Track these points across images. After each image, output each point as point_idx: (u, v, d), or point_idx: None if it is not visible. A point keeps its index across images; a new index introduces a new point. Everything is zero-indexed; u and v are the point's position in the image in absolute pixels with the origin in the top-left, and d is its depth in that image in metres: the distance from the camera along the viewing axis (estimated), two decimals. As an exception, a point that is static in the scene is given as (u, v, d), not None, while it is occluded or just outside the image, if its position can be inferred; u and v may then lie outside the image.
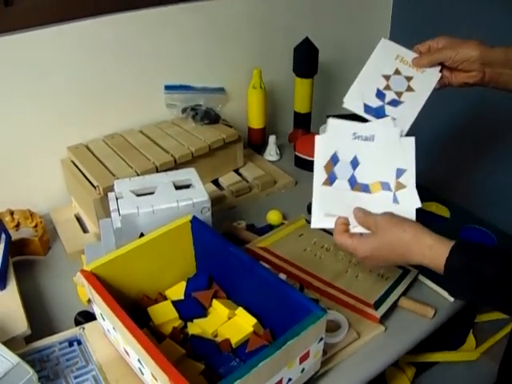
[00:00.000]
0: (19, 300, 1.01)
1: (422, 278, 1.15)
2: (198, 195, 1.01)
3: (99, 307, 0.86)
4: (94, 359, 0.90)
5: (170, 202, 0.99)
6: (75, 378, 0.87)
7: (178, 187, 1.05)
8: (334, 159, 0.98)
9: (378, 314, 1.01)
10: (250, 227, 1.28)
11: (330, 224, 0.96)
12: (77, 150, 1.32)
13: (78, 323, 1.00)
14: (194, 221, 0.98)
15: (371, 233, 0.93)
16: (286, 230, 1.24)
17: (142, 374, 0.82)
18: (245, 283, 0.94)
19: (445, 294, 1.12)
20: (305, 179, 1.51)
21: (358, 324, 1.01)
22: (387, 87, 1.00)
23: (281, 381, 0.79)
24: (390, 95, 1.00)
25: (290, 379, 0.82)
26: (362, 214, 0.94)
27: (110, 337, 0.90)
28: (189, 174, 1.08)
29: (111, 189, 1.10)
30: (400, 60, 1.03)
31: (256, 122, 1.58)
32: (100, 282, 0.86)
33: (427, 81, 1.01)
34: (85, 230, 1.28)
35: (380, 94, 1.00)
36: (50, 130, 1.32)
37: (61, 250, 1.24)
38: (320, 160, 1.00)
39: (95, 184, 1.17)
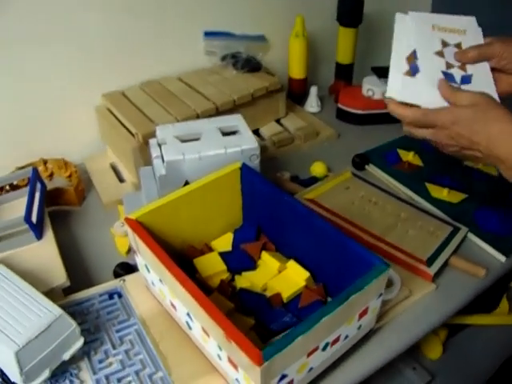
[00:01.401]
0: (57, 251, 0.97)
1: (471, 236, 1.10)
2: (247, 142, 0.96)
3: (144, 258, 0.82)
4: (136, 313, 0.87)
5: (218, 149, 0.94)
6: (117, 331, 0.84)
7: (224, 133, 0.99)
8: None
9: (432, 271, 0.97)
10: (293, 179, 1.23)
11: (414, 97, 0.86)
12: (112, 97, 1.27)
13: (117, 275, 0.96)
14: (244, 168, 0.92)
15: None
16: (331, 182, 1.19)
17: (190, 328, 0.78)
18: (297, 235, 0.89)
19: (495, 253, 1.07)
20: (347, 132, 1.47)
21: (408, 281, 0.97)
22: (449, 65, 0.89)
23: (338, 338, 0.75)
24: (457, 73, 0.88)
25: (346, 336, 0.78)
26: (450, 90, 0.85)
27: (155, 290, 0.86)
28: (235, 121, 1.03)
29: (150, 136, 1.05)
30: (438, 29, 0.93)
31: (297, 71, 1.51)
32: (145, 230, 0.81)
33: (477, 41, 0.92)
34: (121, 180, 1.24)
35: (448, 76, 0.88)
36: (83, 77, 1.27)
37: (96, 200, 1.20)
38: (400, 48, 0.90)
39: (134, 131, 1.12)
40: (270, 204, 0.91)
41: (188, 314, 0.76)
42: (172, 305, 0.81)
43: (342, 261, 0.81)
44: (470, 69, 0.90)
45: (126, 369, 0.79)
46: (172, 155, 0.93)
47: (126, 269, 0.97)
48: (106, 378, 0.77)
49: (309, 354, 0.70)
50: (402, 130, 1.31)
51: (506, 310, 1.93)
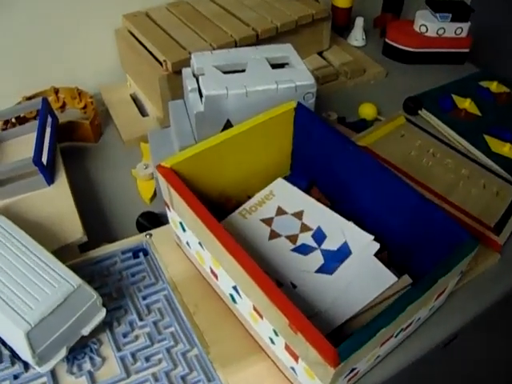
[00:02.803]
0: (71, 198, 0.84)
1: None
2: (302, 77, 0.81)
3: (180, 215, 0.69)
4: (165, 275, 0.75)
5: (268, 83, 0.79)
6: (143, 298, 0.73)
7: (273, 66, 0.84)
8: None
9: (501, 240, 0.84)
10: (341, 120, 1.09)
11: None
12: (135, 18, 1.10)
13: (140, 227, 0.83)
14: (300, 109, 0.77)
15: None
16: (384, 128, 1.05)
17: (235, 302, 0.66)
18: (360, 192, 0.75)
19: None
20: (396, 71, 1.32)
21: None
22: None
23: (411, 323, 0.63)
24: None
25: (419, 318, 0.65)
26: None
27: (190, 251, 0.74)
28: (286, 51, 0.87)
29: (181, 65, 0.91)
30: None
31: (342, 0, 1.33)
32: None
33: None
34: (143, 114, 1.09)
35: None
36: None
37: (115, 136, 1.07)
38: None
39: (161, 58, 0.97)
40: (327, 152, 0.77)
41: (235, 288, 0.63)
42: (213, 273, 0.68)
43: (418, 230, 0.68)
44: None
45: (155, 344, 0.67)
46: (213, 89, 0.78)
47: (152, 220, 0.84)
48: (132, 355, 0.66)
49: (382, 344, 0.59)
50: (456, 72, 1.18)
51: None
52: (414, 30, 1.33)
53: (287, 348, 0.57)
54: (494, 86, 1.24)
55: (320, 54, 1.27)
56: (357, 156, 0.73)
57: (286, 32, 1.09)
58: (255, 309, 0.60)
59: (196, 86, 0.82)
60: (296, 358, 0.57)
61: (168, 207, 0.73)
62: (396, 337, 0.62)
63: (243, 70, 0.83)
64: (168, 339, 0.68)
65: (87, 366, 0.65)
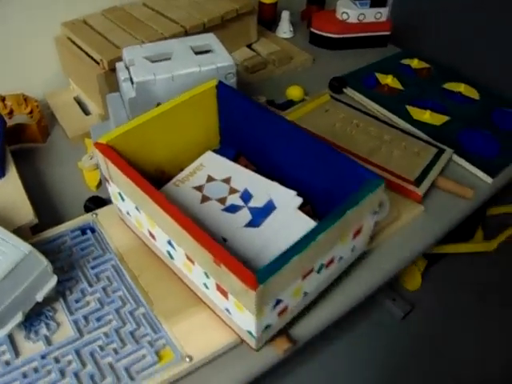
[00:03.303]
0: (21, 187, 0.90)
1: (456, 158, 1.06)
2: (222, 59, 0.89)
3: (118, 185, 0.76)
4: (111, 247, 0.82)
5: (191, 67, 0.87)
6: (92, 268, 0.79)
7: (197, 53, 0.91)
8: None
9: (420, 191, 0.93)
10: (270, 103, 1.17)
11: None
12: (73, 25, 1.17)
13: (88, 210, 0.89)
14: (221, 86, 0.85)
15: None
16: (310, 105, 1.13)
17: (172, 258, 0.73)
18: (280, 154, 0.83)
19: (482, 174, 1.04)
20: (322, 56, 1.41)
21: (397, 203, 0.92)
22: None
23: (333, 259, 0.71)
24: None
25: (341, 257, 0.73)
26: None
27: (130, 220, 0.80)
28: (208, 39, 0.95)
29: (116, 62, 0.97)
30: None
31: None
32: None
33: None
34: (86, 113, 1.16)
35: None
36: (40, 5, 1.17)
37: (61, 135, 1.13)
38: None
39: (98, 58, 1.04)
40: (250, 123, 0.84)
41: (169, 242, 0.70)
42: (151, 234, 0.75)
43: (331, 179, 0.75)
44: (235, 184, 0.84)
45: (105, 307, 0.74)
46: (142, 75, 0.85)
47: (98, 203, 0.91)
48: (85, 318, 0.72)
49: (304, 277, 0.66)
50: (379, 54, 1.27)
51: (481, 239, 1.92)
52: (336, 18, 1.42)
53: (218, 288, 0.64)
54: (415, 63, 1.34)
55: (249, 46, 1.35)
56: (273, 121, 0.81)
57: (213, 27, 1.17)
58: (188, 257, 0.67)
59: (128, 75, 0.89)
60: (226, 295, 0.63)
61: (108, 182, 0.79)
62: (319, 272, 0.69)
63: (169, 59, 0.90)
64: (116, 301, 0.74)
65: (43, 331, 0.71)
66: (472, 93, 1.26)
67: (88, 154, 1.00)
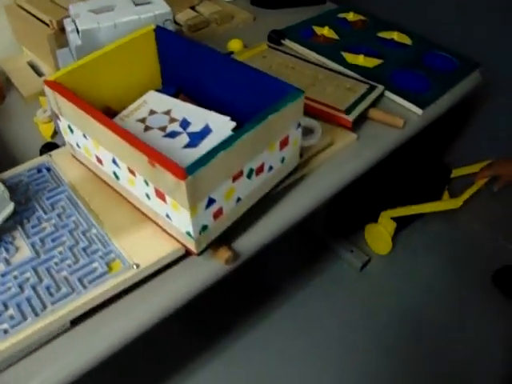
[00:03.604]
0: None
1: (388, 94, 1.15)
2: (160, 8, 0.97)
3: (66, 116, 0.82)
4: (65, 180, 0.88)
5: (131, 15, 0.95)
6: (48, 199, 0.85)
7: (137, 4, 0.99)
8: None
9: (350, 118, 1.01)
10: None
11: None
12: (21, -8, 1.23)
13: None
14: (158, 30, 0.92)
15: None
16: (248, 53, 1.21)
17: (118, 178, 0.80)
18: (216, 86, 0.90)
19: (412, 107, 1.12)
20: (263, 15, 1.49)
21: (330, 131, 1.01)
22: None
23: (262, 166, 0.78)
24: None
25: (271, 167, 0.81)
26: None
27: (80, 152, 0.87)
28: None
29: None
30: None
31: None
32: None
33: None
34: (40, 75, 1.22)
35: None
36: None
37: (17, 97, 1.18)
38: None
39: (47, 20, 1.10)
40: (187, 60, 0.92)
41: (114, 161, 0.77)
42: (98, 159, 0.82)
43: (261, 100, 0.82)
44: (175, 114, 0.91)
45: (60, 230, 0.80)
46: (86, 24, 0.93)
47: (52, 148, 0.97)
48: (41, 240, 0.79)
49: (234, 179, 0.73)
50: (318, 11, 1.35)
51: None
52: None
53: (157, 192, 0.71)
54: (351, 16, 1.42)
55: (193, 8, 1.42)
56: (207, 53, 0.89)
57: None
58: (130, 170, 0.74)
59: (74, 27, 0.96)
60: (164, 198, 0.71)
61: (58, 117, 0.86)
62: (249, 178, 0.76)
63: (112, 10, 0.97)
64: (70, 224, 0.81)
65: (3, 255, 0.77)
66: (404, 39, 1.34)
67: (42, 109, 1.06)
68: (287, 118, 0.77)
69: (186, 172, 0.64)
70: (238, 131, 0.70)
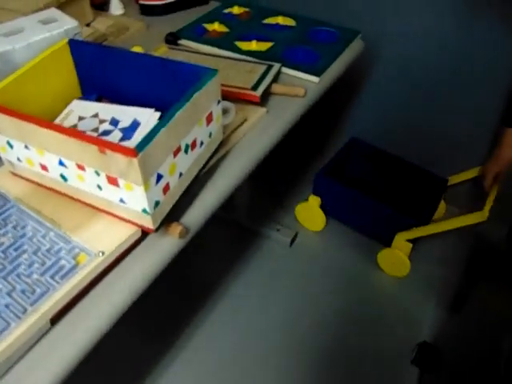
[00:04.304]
0: None
1: (285, 69, 1.27)
2: (67, 23, 1.03)
3: (5, 131, 0.86)
4: (10, 197, 0.91)
5: (43, 33, 1.00)
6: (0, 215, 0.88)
7: (44, 23, 1.05)
8: None
9: (258, 93, 1.12)
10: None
11: None
12: None
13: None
14: (72, 42, 0.99)
15: None
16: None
17: (66, 179, 0.86)
18: (134, 83, 0.98)
19: (309, 77, 1.25)
20: (155, 23, 1.57)
21: (243, 109, 1.11)
22: None
23: (195, 141, 0.87)
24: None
25: (202, 142, 0.90)
26: None
27: (22, 166, 0.91)
28: (51, 13, 1.09)
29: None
30: None
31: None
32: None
33: None
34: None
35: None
36: None
37: None
38: None
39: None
40: (104, 66, 0.99)
41: (60, 162, 0.83)
42: (43, 167, 0.87)
43: (179, 85, 0.92)
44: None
45: (19, 240, 0.84)
46: (1, 47, 0.97)
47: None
48: (3, 252, 0.82)
49: (174, 154, 0.81)
50: (203, 10, 1.45)
51: (444, 210, 2.11)
52: (159, -13, 1.59)
53: (109, 179, 0.78)
54: (236, 9, 1.54)
55: (87, 25, 1.49)
56: (120, 55, 0.96)
57: (50, 10, 1.29)
58: (78, 166, 0.80)
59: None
60: (117, 183, 0.78)
61: None
62: (186, 152, 0.85)
63: (22, 31, 1.03)
64: (27, 233, 0.85)
65: None
66: (289, 21, 1.48)
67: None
68: (209, 95, 0.87)
69: (136, 150, 0.71)
70: (171, 109, 0.79)
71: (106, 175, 0.78)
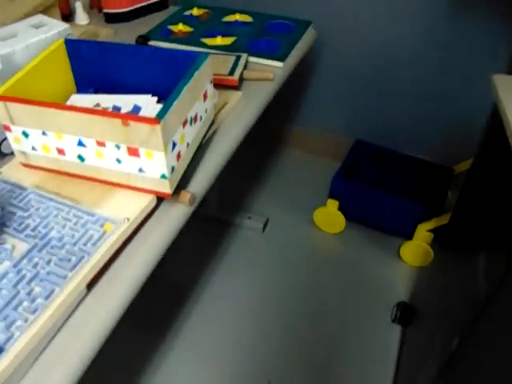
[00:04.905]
0: None
1: (252, 58, 1.41)
2: (58, 26, 1.12)
3: (21, 121, 0.93)
4: (26, 185, 0.98)
5: (39, 36, 1.09)
6: (19, 202, 0.94)
7: (36, 28, 1.14)
8: None
9: (235, 77, 1.24)
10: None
11: None
12: None
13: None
14: (68, 41, 1.08)
15: None
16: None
17: (83, 160, 0.95)
18: (130, 72, 1.08)
19: (274, 63, 1.40)
20: (120, 29, 1.67)
21: (224, 94, 1.24)
22: None
23: (196, 115, 0.99)
24: None
25: (201, 117, 1.01)
26: None
27: (37, 154, 0.99)
28: (39, 18, 1.17)
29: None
30: None
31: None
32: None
33: None
34: None
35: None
36: None
37: None
38: None
39: None
40: (100, 61, 1.09)
41: (79, 143, 0.92)
42: (59, 151, 0.96)
43: (175, 70, 1.03)
44: None
45: (45, 219, 0.91)
46: (4, 49, 1.05)
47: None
48: (32, 230, 0.89)
49: (183, 125, 0.93)
50: (165, 14, 1.57)
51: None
52: (121, -5, 1.70)
53: (129, 151, 0.88)
54: (195, 11, 1.67)
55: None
56: (118, 48, 1.07)
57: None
58: (98, 142, 0.90)
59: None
60: (137, 153, 0.88)
61: (9, 129, 0.98)
62: (191, 125, 0.96)
63: (17, 36, 1.11)
64: (52, 212, 0.92)
65: (2, 255, 0.85)
66: (246, 18, 1.62)
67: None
68: (204, 75, 0.99)
69: (158, 118, 0.82)
70: (179, 85, 0.90)
71: (127, 147, 0.88)
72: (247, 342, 1.79)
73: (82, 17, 1.68)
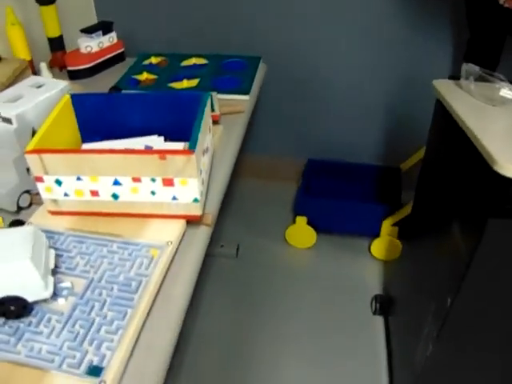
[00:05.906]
0: None
1: (221, 95, 1.55)
2: (58, 85, 1.23)
3: (55, 170, 0.99)
4: (60, 231, 1.01)
5: (45, 94, 1.19)
6: (61, 244, 0.98)
7: (38, 88, 1.23)
8: None
9: (216, 112, 1.43)
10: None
11: None
12: None
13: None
14: (73, 96, 1.19)
15: None
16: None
17: (117, 198, 1.04)
18: (138, 119, 1.20)
19: (241, 97, 1.57)
20: (85, 84, 1.77)
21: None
22: None
23: (208, 147, 1.13)
24: None
25: (208, 148, 1.16)
26: None
27: (68, 200, 1.04)
28: (35, 80, 1.27)
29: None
30: None
31: (23, 54, 1.75)
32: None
33: None
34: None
35: None
36: None
37: None
38: None
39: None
40: (105, 111, 1.20)
41: (115, 182, 1.01)
42: (93, 193, 1.04)
43: (180, 110, 1.17)
44: None
45: (91, 256, 0.96)
46: (15, 110, 1.12)
47: (19, 224, 1.07)
48: (85, 265, 0.94)
49: (203, 154, 1.07)
50: (126, 65, 1.75)
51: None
52: (82, 53, 1.81)
53: (164, 182, 1.00)
54: (153, 59, 1.82)
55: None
56: (125, 96, 1.20)
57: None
58: (134, 179, 1.00)
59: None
60: (172, 183, 0.99)
61: (41, 180, 1.04)
62: (203, 156, 1.10)
63: (22, 97, 1.20)
64: (96, 250, 0.97)
65: (64, 293, 0.90)
66: (202, 60, 1.79)
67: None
68: (208, 112, 1.14)
69: (191, 148, 0.96)
70: (197, 119, 1.05)
71: (162, 179, 0.99)
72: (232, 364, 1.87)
73: (46, 75, 1.75)
